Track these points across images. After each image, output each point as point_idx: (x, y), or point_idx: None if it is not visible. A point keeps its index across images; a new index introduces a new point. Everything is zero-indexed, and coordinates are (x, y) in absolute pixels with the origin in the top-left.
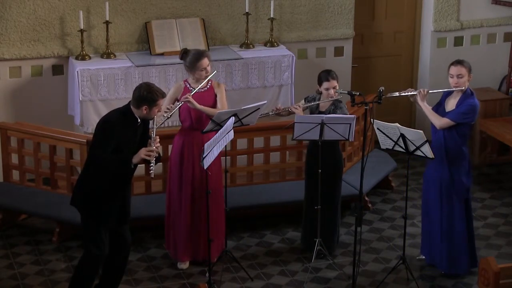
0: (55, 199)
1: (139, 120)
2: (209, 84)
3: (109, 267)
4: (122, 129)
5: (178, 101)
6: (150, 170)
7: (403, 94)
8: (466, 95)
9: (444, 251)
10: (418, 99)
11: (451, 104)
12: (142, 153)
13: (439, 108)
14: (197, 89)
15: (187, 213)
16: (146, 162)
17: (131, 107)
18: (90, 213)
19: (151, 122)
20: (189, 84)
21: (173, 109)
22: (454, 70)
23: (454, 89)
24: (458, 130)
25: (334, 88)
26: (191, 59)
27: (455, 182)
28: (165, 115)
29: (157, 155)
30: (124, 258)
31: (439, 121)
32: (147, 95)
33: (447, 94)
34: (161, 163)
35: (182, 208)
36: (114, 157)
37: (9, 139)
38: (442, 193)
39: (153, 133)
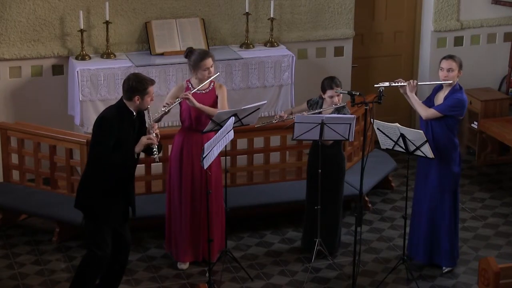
0: (55, 199)
1: (134, 113)
2: (211, 86)
3: (109, 267)
4: (120, 124)
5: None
6: (154, 154)
7: (393, 84)
8: (455, 89)
9: (424, 241)
10: (408, 90)
11: (439, 98)
12: (143, 140)
13: (429, 103)
14: (197, 88)
15: (187, 213)
16: (148, 153)
17: (124, 100)
18: (94, 213)
19: (146, 114)
20: (191, 85)
21: (172, 105)
22: (445, 63)
23: (442, 82)
24: (446, 122)
25: (337, 95)
26: (195, 58)
27: (445, 173)
28: (163, 109)
29: (157, 143)
30: (124, 258)
31: (426, 112)
32: (136, 84)
33: (437, 90)
34: (161, 163)
35: (182, 208)
36: (116, 153)
37: (9, 139)
38: (430, 184)
39: (150, 121)
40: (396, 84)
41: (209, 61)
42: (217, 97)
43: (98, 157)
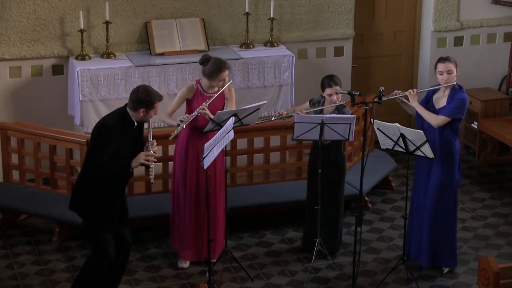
0: (55, 199)
1: (135, 123)
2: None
3: (109, 267)
4: (120, 133)
5: (188, 100)
6: (150, 175)
7: (390, 97)
8: (455, 90)
9: (427, 244)
10: (410, 100)
11: (441, 101)
12: (141, 158)
13: (427, 105)
14: (212, 99)
15: (192, 212)
16: (145, 166)
17: (128, 109)
18: (93, 217)
19: (148, 129)
20: (201, 87)
21: (188, 120)
22: (443, 67)
23: (444, 85)
24: (452, 125)
25: (337, 94)
26: (213, 69)
27: (447, 176)
28: (179, 126)
29: (155, 160)
30: (124, 259)
31: (436, 120)
32: (145, 98)
33: (433, 91)
34: (160, 163)
35: (186, 207)
36: (113, 162)
37: (9, 139)
38: (433, 187)
39: (150, 137)
40: (395, 96)
41: (226, 73)
42: (225, 99)
43: (94, 163)
